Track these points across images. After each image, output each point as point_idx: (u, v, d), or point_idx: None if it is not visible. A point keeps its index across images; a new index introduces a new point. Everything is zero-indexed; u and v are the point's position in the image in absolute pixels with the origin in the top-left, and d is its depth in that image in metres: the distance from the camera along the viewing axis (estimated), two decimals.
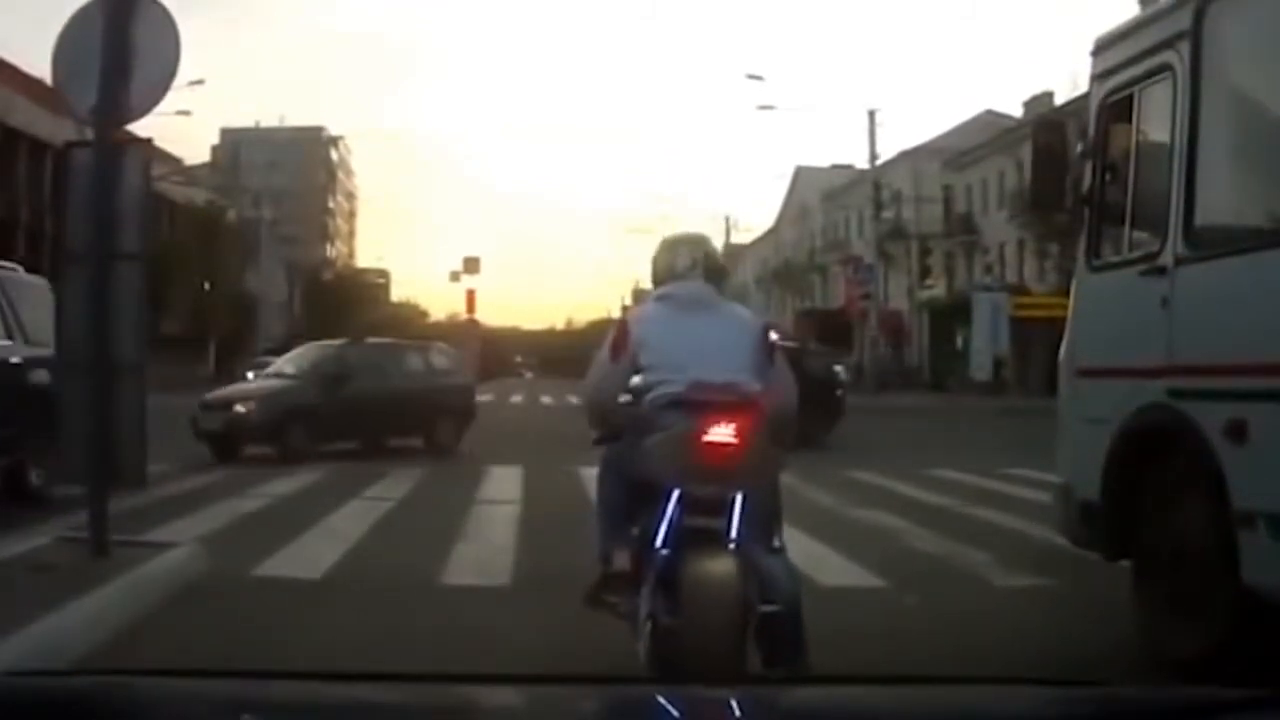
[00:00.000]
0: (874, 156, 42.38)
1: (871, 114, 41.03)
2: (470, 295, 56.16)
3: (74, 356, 6.60)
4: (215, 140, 77.46)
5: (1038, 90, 47.05)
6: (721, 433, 3.95)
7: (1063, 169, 5.95)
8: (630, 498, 4.28)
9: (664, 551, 3.96)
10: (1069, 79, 55.41)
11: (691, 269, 4.52)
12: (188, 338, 47.89)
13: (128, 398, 6.52)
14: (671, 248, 4.64)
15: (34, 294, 10.30)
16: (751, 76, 72.54)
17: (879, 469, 13.53)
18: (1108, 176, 5.61)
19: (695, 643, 3.78)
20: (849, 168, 53.53)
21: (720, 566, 3.88)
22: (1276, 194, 4.56)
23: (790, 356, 5.19)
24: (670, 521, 3.97)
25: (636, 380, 4.31)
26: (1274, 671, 4.25)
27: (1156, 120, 5.17)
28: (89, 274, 6.49)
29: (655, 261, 4.64)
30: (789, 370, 4.64)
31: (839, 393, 19.82)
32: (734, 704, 2.03)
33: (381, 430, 16.72)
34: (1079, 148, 5.92)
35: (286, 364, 18.11)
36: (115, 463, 6.49)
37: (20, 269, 11.06)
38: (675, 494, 3.99)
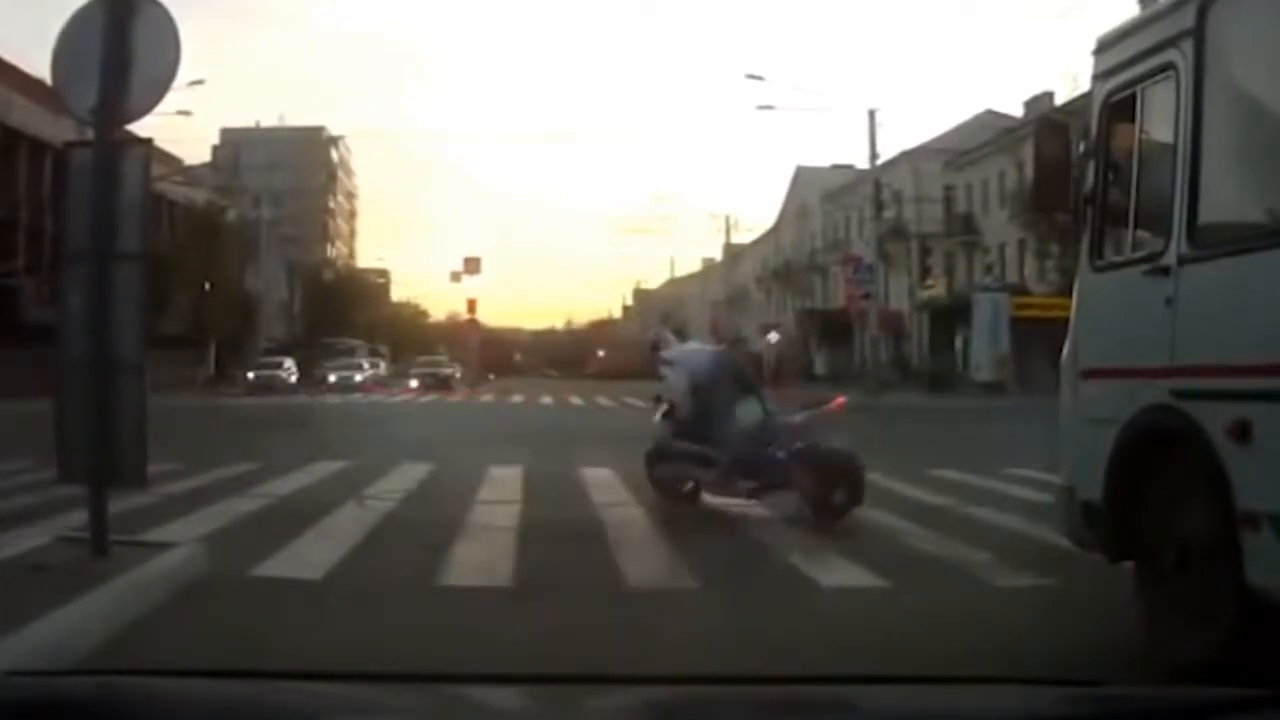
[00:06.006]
0: (874, 156, 42.25)
1: (871, 114, 40.92)
2: (471, 298, 56.32)
3: (74, 356, 6.59)
4: (215, 140, 77.42)
5: (1038, 90, 47.05)
6: None
7: (1065, 171, 5.94)
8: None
9: None
10: (1069, 79, 55.34)
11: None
12: (188, 338, 47.85)
13: (128, 398, 6.51)
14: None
15: None
16: (751, 76, 72.28)
17: (879, 469, 13.46)
18: (1110, 176, 5.59)
19: None
20: (849, 168, 53.49)
21: None
22: None
23: None
24: None
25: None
26: (1276, 672, 4.24)
27: (1159, 119, 5.15)
28: (89, 274, 6.48)
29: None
30: None
31: None
32: (733, 704, 2.03)
33: None
34: (1080, 147, 5.90)
35: None
36: (115, 463, 6.48)
37: None
38: None
